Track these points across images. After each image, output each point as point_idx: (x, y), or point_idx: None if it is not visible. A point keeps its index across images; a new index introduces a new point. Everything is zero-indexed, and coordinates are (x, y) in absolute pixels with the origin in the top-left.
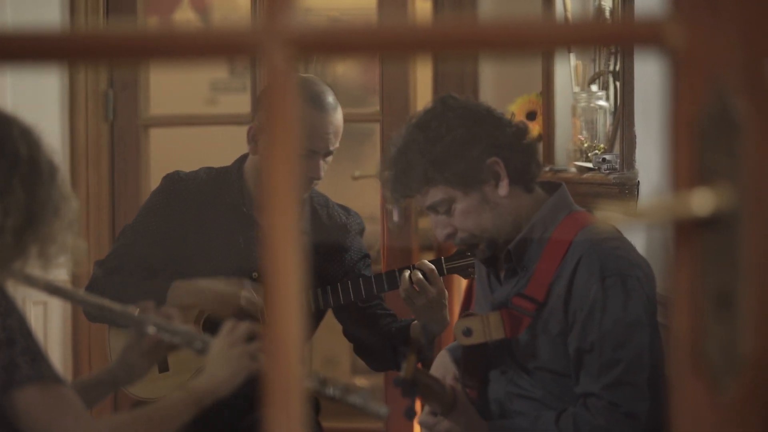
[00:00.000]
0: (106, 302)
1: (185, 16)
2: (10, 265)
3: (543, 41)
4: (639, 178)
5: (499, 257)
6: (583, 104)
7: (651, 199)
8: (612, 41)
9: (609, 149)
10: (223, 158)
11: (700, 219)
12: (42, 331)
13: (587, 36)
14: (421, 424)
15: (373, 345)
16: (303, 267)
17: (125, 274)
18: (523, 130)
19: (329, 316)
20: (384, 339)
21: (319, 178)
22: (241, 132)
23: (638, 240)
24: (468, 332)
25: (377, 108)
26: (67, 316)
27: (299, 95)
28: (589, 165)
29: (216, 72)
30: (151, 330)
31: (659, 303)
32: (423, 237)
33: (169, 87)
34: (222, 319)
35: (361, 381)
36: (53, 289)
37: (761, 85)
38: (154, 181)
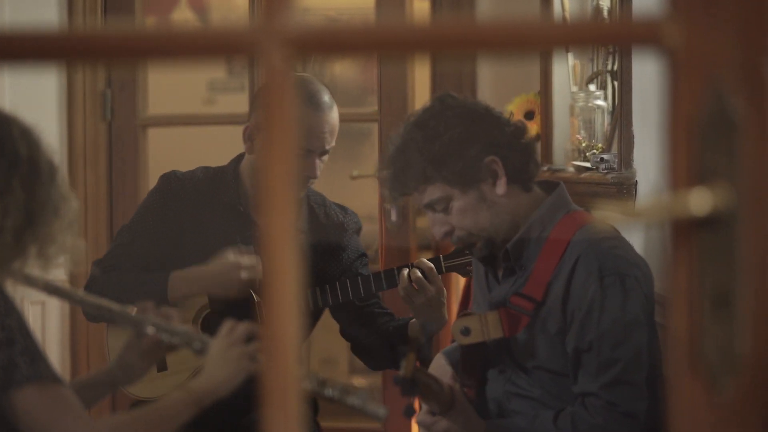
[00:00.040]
0: (105, 302)
1: (183, 15)
2: (10, 265)
3: (541, 41)
4: (637, 178)
5: (497, 256)
6: (581, 104)
7: (649, 199)
8: (610, 41)
9: (607, 149)
10: (221, 158)
11: (698, 218)
12: (40, 330)
13: (585, 36)
14: (420, 423)
15: (371, 344)
16: (301, 266)
17: (123, 272)
18: (521, 130)
19: (327, 316)
20: (382, 338)
21: (315, 177)
22: (239, 132)
23: (636, 239)
24: (466, 331)
25: (375, 108)
26: (65, 315)
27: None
28: (587, 164)
29: (214, 72)
30: (150, 330)
31: (657, 302)
32: (421, 236)
33: (167, 87)
34: (227, 306)
35: (359, 381)
36: (52, 289)
37: (759, 85)
38: (152, 181)
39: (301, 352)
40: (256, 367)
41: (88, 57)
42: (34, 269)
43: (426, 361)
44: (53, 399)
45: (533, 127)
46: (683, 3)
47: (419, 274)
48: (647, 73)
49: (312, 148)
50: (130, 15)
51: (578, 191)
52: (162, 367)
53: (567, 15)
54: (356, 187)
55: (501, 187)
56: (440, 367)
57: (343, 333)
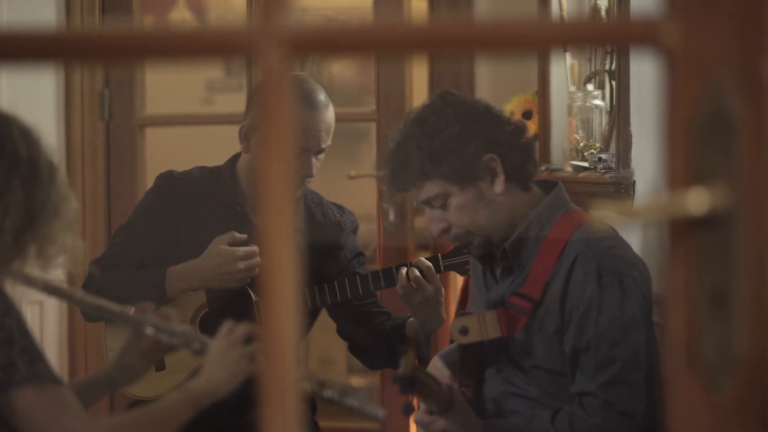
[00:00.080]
0: (105, 302)
1: (181, 15)
2: (9, 265)
3: (539, 40)
4: (635, 178)
5: (494, 255)
6: (578, 103)
7: (647, 199)
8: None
9: (605, 148)
10: (219, 158)
11: (696, 218)
12: (38, 330)
13: (583, 35)
14: (418, 422)
15: (368, 343)
16: (299, 266)
17: (120, 270)
18: (521, 129)
19: (324, 316)
20: (379, 337)
21: (311, 176)
22: (236, 131)
23: (634, 239)
24: (464, 331)
25: (373, 107)
26: (64, 315)
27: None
28: (585, 164)
29: (212, 72)
30: (149, 331)
31: (655, 302)
32: (419, 236)
33: (165, 86)
34: (225, 305)
35: (357, 380)
36: (52, 289)
37: (757, 85)
38: (150, 181)
39: (299, 351)
40: (256, 368)
41: (85, 57)
42: (33, 269)
43: (424, 361)
44: (52, 399)
45: (531, 127)
46: (681, 3)
47: (418, 273)
48: (645, 73)
49: (308, 146)
50: (127, 15)
51: (576, 191)
52: (160, 367)
53: (565, 14)
54: (354, 187)
55: (499, 186)
56: (437, 370)
57: (340, 332)
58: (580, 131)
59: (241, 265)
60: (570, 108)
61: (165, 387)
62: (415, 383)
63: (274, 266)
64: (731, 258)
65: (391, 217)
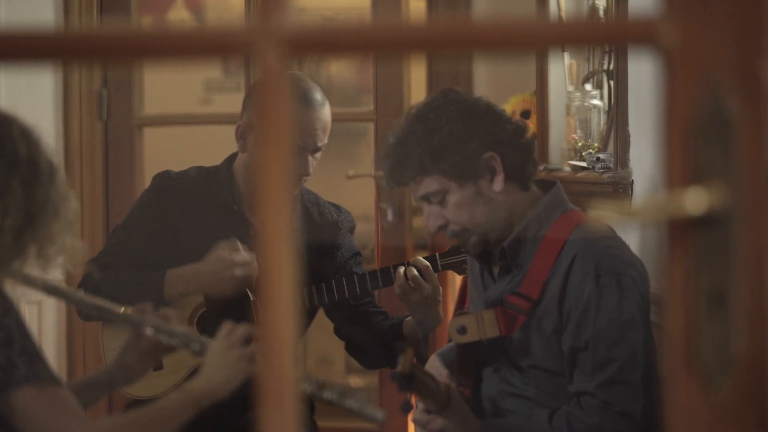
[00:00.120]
0: (104, 303)
1: (179, 15)
2: (9, 265)
3: (537, 40)
4: (633, 177)
5: (492, 254)
6: (577, 103)
7: (645, 198)
8: (606, 40)
9: (603, 148)
10: (218, 157)
11: (694, 218)
12: (37, 330)
13: (581, 35)
14: (415, 421)
15: (366, 342)
16: (297, 266)
17: (119, 270)
18: (522, 129)
19: (322, 316)
20: (376, 336)
21: (308, 175)
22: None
23: (632, 239)
24: (462, 330)
25: (371, 107)
26: (62, 315)
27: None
28: (584, 164)
29: (210, 71)
30: (148, 331)
31: (653, 302)
32: (417, 236)
33: (163, 86)
34: (223, 305)
35: (355, 380)
36: (51, 289)
37: (755, 85)
38: (149, 181)
39: (297, 351)
40: (255, 369)
41: (84, 57)
42: (33, 269)
43: (422, 360)
44: (51, 399)
45: (530, 127)
46: (679, 3)
47: (415, 272)
48: (643, 73)
49: (305, 145)
50: (126, 14)
51: (574, 191)
52: (158, 367)
53: (563, 14)
54: (352, 187)
55: (498, 184)
56: (434, 369)
57: (337, 332)
58: (579, 131)
59: (238, 272)
60: (568, 108)
61: (163, 387)
62: (414, 381)
63: (272, 266)
64: (729, 258)
65: (390, 216)
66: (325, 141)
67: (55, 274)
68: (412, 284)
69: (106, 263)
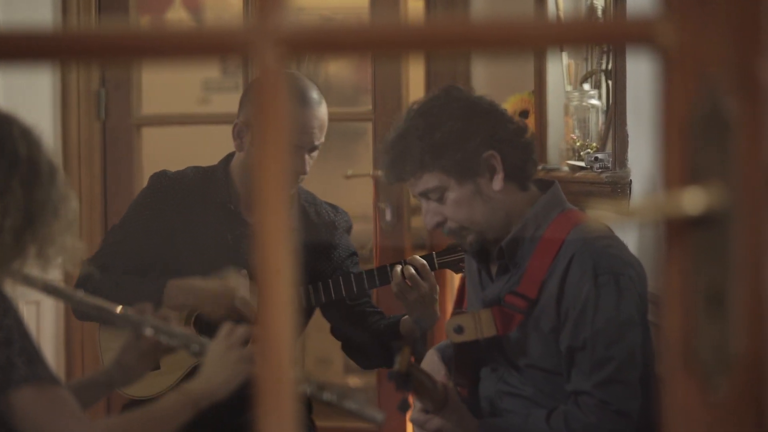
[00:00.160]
0: (104, 303)
1: (177, 15)
2: (9, 265)
3: (535, 40)
4: (631, 177)
5: (490, 253)
6: (575, 103)
7: (643, 198)
8: (604, 40)
9: (601, 148)
10: (216, 157)
11: (692, 218)
12: (35, 330)
13: (579, 35)
14: (413, 421)
15: (362, 342)
16: (295, 265)
17: (118, 273)
18: (523, 129)
19: (320, 316)
20: (373, 336)
21: (304, 173)
22: None
23: (630, 238)
24: (459, 330)
25: (369, 107)
26: (60, 315)
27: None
28: (582, 164)
29: (208, 71)
30: (148, 332)
31: (651, 302)
32: (416, 236)
33: (162, 86)
34: (214, 319)
35: (354, 380)
36: (51, 290)
37: (753, 84)
38: (147, 180)
39: (295, 351)
40: (255, 370)
41: (82, 56)
42: (33, 269)
43: (419, 359)
44: (50, 400)
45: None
46: (677, 2)
47: (412, 270)
48: (641, 73)
49: (301, 144)
50: (124, 14)
51: (572, 190)
52: (155, 367)
53: (561, 14)
54: (351, 187)
55: (498, 183)
56: (433, 363)
57: (334, 332)
58: (577, 131)
59: (237, 303)
60: (566, 107)
61: (160, 387)
62: (411, 380)
63: (270, 266)
64: (727, 257)
65: (388, 216)
66: (322, 140)
67: (54, 274)
68: (409, 283)
69: (102, 263)
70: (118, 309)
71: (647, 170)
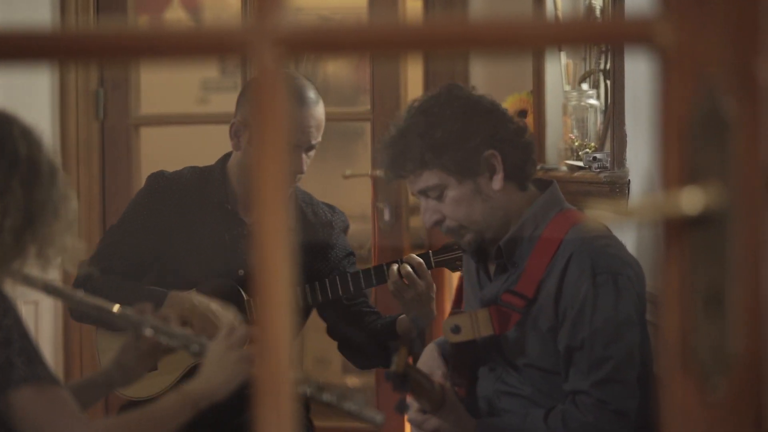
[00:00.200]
0: (104, 303)
1: (176, 15)
2: (9, 265)
3: (533, 40)
4: (629, 177)
5: (489, 253)
6: (573, 103)
7: (641, 198)
8: (602, 40)
9: (600, 148)
10: (215, 157)
11: (690, 217)
12: (33, 330)
13: (578, 34)
14: (410, 421)
15: (359, 342)
16: (293, 266)
17: (116, 275)
18: (523, 129)
19: (317, 316)
20: (370, 335)
21: (302, 173)
22: None
23: (628, 238)
24: (456, 330)
25: (368, 107)
26: (59, 315)
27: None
28: (580, 163)
29: (207, 71)
30: (148, 332)
31: (649, 301)
32: (414, 236)
33: (160, 86)
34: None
35: (352, 380)
36: (51, 290)
37: (751, 84)
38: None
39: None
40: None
41: (80, 56)
42: (33, 269)
43: (417, 358)
44: (50, 400)
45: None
46: (675, 2)
47: (409, 269)
48: (640, 73)
49: (299, 143)
50: (122, 14)
51: (571, 190)
52: (152, 367)
53: (559, 14)
54: (349, 187)
55: (498, 183)
56: (432, 358)
57: (330, 332)
58: (575, 130)
59: (225, 329)
60: (565, 107)
61: (157, 387)
62: (408, 380)
63: (268, 266)
64: (726, 257)
65: (386, 216)
66: (319, 139)
67: (53, 274)
68: (405, 281)
69: (100, 265)
70: (117, 309)
71: (646, 170)
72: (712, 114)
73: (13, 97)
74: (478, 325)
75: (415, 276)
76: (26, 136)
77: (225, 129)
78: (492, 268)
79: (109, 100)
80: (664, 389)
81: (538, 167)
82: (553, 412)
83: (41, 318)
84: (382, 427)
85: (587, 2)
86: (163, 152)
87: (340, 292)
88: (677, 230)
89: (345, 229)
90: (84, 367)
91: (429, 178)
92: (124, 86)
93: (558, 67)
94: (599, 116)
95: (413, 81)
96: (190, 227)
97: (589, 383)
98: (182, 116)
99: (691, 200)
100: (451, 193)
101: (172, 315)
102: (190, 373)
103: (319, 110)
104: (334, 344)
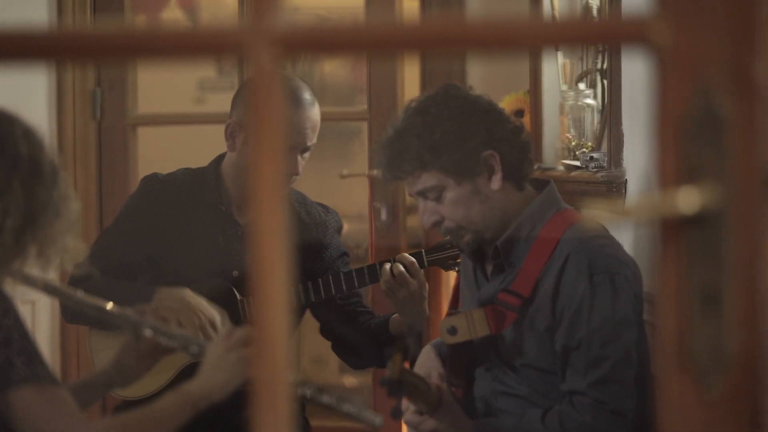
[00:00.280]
0: (104, 303)
1: (173, 14)
2: (9, 265)
3: (530, 39)
4: (626, 176)
5: (486, 253)
6: (570, 102)
7: (638, 197)
8: (599, 39)
9: (596, 147)
10: (211, 157)
11: (687, 217)
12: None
13: (574, 34)
14: (407, 423)
15: (353, 342)
16: (289, 266)
17: (109, 276)
18: (520, 128)
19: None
20: (364, 335)
21: (297, 174)
22: None
23: (625, 238)
24: (453, 330)
25: (365, 107)
26: (56, 315)
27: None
28: (577, 163)
29: (204, 71)
30: (147, 333)
31: (646, 301)
32: (411, 235)
33: (157, 86)
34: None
35: (349, 380)
36: (52, 290)
37: (747, 83)
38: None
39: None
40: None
41: (77, 56)
42: (33, 269)
43: (414, 361)
44: (49, 400)
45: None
46: (672, 2)
47: (401, 268)
48: (636, 72)
49: (294, 144)
50: (119, 14)
51: (568, 190)
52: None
53: (556, 13)
54: (346, 186)
55: (496, 183)
56: (429, 360)
57: (324, 332)
58: (572, 130)
59: (203, 328)
60: (562, 107)
61: (151, 387)
62: (403, 386)
63: (265, 267)
64: (722, 256)
65: (384, 216)
66: (315, 140)
67: (51, 275)
68: (398, 281)
69: (94, 266)
70: (117, 309)
71: (642, 169)
72: (708, 113)
73: (10, 96)
74: (474, 326)
75: (407, 275)
76: (28, 136)
77: (222, 129)
78: (489, 268)
79: (106, 99)
80: (661, 389)
81: (535, 167)
82: (551, 413)
83: (38, 318)
84: (381, 428)
85: (584, 2)
86: (160, 152)
87: (333, 291)
88: (674, 230)
89: (339, 229)
90: (81, 367)
91: (427, 180)
92: (121, 86)
93: (555, 67)
94: (596, 116)
95: (410, 81)
96: (184, 229)
97: (587, 383)
98: (179, 116)
99: (688, 200)
100: (449, 194)
101: (169, 314)
102: (184, 372)
103: (315, 112)
104: None
